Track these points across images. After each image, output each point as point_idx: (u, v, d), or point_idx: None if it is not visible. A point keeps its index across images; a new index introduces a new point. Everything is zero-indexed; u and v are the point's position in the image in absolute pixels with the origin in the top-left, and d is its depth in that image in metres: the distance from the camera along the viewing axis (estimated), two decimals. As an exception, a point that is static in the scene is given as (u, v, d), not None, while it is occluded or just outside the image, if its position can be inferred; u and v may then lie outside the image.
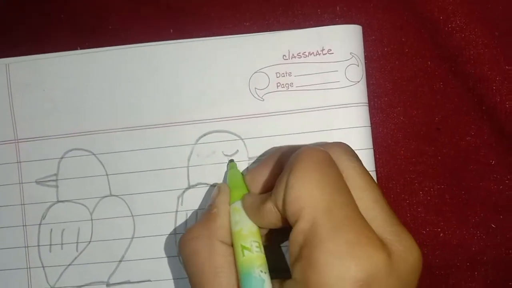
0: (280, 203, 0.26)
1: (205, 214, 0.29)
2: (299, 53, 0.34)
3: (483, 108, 0.34)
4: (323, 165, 0.25)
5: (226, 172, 0.34)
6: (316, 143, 0.32)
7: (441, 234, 0.34)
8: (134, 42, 0.35)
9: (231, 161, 0.33)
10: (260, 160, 0.32)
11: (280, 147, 0.33)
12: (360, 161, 0.27)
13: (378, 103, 0.34)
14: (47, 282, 0.35)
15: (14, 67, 0.35)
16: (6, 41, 0.36)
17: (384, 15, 0.34)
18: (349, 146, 0.28)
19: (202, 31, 0.35)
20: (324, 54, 0.34)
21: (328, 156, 0.26)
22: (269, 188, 0.28)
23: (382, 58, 0.34)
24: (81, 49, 0.35)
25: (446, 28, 0.34)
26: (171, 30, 0.35)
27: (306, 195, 0.24)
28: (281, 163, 0.29)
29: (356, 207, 0.25)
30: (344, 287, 0.22)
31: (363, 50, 0.34)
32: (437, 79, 0.34)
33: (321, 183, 0.24)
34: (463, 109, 0.34)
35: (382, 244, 0.24)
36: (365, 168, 0.27)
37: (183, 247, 0.28)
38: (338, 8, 0.35)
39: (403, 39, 0.34)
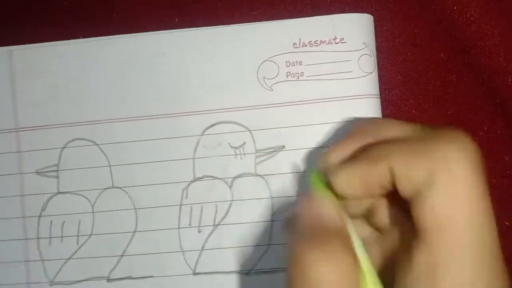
0: (404, 183, 0.20)
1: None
2: (311, 41, 0.31)
3: (497, 101, 0.31)
4: (480, 169, 0.20)
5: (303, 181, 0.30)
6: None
7: (455, 231, 0.31)
8: (139, 31, 0.32)
9: (312, 169, 0.25)
10: (347, 164, 0.23)
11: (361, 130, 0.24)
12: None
13: (389, 95, 0.32)
14: (46, 276, 0.32)
15: (17, 54, 0.33)
16: (7, 28, 0.34)
17: (395, 5, 0.32)
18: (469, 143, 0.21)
19: (208, 20, 0.32)
20: (336, 43, 0.31)
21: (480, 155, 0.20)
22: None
23: (393, 49, 0.32)
24: (84, 38, 0.33)
25: (461, 19, 0.31)
26: (176, 19, 0.33)
27: (460, 206, 0.19)
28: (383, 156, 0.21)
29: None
30: None
31: (374, 41, 0.31)
32: (450, 72, 0.32)
33: (478, 195, 0.19)
34: (477, 102, 0.32)
35: None
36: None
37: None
38: (348, -3, 0.32)
39: (415, 30, 0.32)
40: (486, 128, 0.32)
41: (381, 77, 0.32)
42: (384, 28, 0.32)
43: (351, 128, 0.25)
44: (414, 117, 0.32)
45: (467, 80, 0.32)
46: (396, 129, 0.22)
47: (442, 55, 0.32)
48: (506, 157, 0.31)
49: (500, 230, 0.30)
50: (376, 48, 0.32)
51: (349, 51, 0.31)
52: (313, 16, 0.31)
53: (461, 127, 0.29)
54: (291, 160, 0.31)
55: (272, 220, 0.31)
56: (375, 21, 0.32)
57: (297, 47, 0.31)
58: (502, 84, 0.31)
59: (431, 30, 0.32)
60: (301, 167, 0.31)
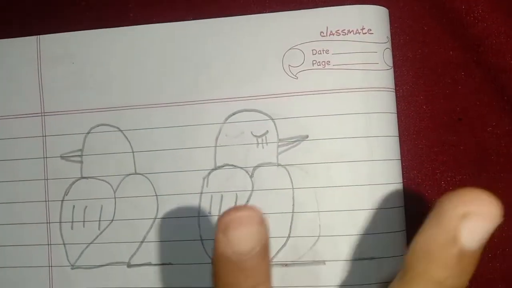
0: None
1: None
2: (338, 30, 0.29)
3: (505, 98, 0.31)
4: None
5: None
6: None
7: (463, 225, 0.31)
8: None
9: None
10: None
11: None
12: None
13: (399, 91, 0.31)
14: (68, 260, 0.32)
15: (44, 40, 0.32)
16: (26, 28, 0.33)
17: (406, 3, 0.32)
18: None
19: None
20: (364, 34, 0.29)
21: None
22: None
23: (404, 46, 0.32)
24: None
25: (468, 18, 0.31)
26: (191, 18, 0.32)
27: None
28: None
29: None
30: None
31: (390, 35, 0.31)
32: (459, 69, 0.31)
33: None
34: (485, 99, 0.31)
35: None
36: None
37: None
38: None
39: (425, 28, 0.32)
40: (494, 124, 0.31)
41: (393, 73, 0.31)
42: (396, 25, 0.32)
43: None
44: (424, 113, 0.31)
45: (475, 77, 0.31)
46: None
47: (451, 52, 0.32)
48: (513, 153, 0.31)
49: (508, 223, 0.29)
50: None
51: (376, 42, 0.30)
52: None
53: (469, 123, 0.31)
54: (314, 150, 0.29)
55: (292, 212, 0.29)
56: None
57: (324, 36, 0.30)
58: (509, 82, 0.31)
59: (440, 29, 0.32)
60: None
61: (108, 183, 0.31)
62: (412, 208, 0.30)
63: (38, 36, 0.32)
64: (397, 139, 0.30)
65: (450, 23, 0.31)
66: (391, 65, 0.30)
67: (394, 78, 0.31)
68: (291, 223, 0.29)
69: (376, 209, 0.29)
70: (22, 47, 0.32)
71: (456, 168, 0.31)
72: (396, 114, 0.30)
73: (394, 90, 0.30)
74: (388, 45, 0.30)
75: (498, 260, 0.31)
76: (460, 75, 0.31)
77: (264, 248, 0.21)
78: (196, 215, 0.30)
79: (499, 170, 0.31)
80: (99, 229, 0.31)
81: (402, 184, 0.30)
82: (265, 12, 0.31)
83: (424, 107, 0.31)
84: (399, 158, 0.30)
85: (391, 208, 0.29)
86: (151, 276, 0.31)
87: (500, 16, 0.31)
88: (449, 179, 0.31)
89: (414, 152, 0.31)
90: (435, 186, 0.31)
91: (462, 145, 0.31)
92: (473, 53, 0.31)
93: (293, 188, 0.29)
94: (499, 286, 0.31)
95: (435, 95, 0.31)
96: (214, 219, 0.30)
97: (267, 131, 0.30)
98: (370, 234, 0.29)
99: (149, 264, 0.31)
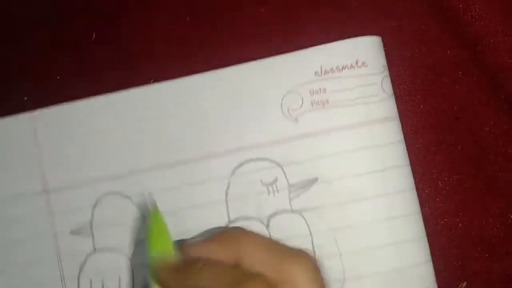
0: None
1: None
2: (332, 67, 0.29)
3: (502, 97, 0.31)
4: (316, 282, 0.24)
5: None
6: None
7: (460, 225, 0.31)
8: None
9: (153, 206, 0.28)
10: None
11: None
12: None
13: (397, 91, 0.31)
14: (93, 337, 0.30)
15: (39, 116, 0.32)
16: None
17: (404, 2, 0.32)
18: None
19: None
20: (359, 67, 0.29)
21: None
22: None
23: (402, 46, 0.32)
24: (96, 36, 0.32)
25: (466, 17, 0.31)
26: (187, 18, 0.32)
27: None
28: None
29: None
30: None
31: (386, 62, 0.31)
32: (457, 68, 0.32)
33: None
34: (482, 98, 0.32)
35: None
36: None
37: None
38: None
39: (422, 27, 0.32)
40: (491, 123, 0.31)
41: (389, 73, 0.31)
42: (393, 24, 0.32)
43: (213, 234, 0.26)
44: (422, 112, 0.31)
45: (473, 76, 0.32)
46: (252, 243, 0.25)
47: (448, 52, 0.32)
48: (511, 151, 0.31)
49: (505, 223, 0.31)
50: (384, 45, 0.31)
51: (372, 74, 0.30)
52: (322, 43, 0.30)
53: (467, 122, 0.32)
54: (326, 191, 0.29)
55: (314, 256, 0.29)
56: (384, 18, 0.31)
57: (319, 75, 0.29)
58: (506, 80, 0.31)
59: (438, 27, 0.32)
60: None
61: (123, 253, 0.31)
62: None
63: (33, 114, 0.32)
64: (409, 168, 0.30)
65: (447, 22, 0.32)
66: (391, 92, 0.30)
67: (391, 77, 0.31)
68: (315, 268, 0.29)
69: (398, 243, 0.28)
70: (17, 126, 0.32)
71: (453, 168, 0.31)
72: (404, 143, 0.30)
73: (398, 118, 0.30)
74: (385, 73, 0.30)
75: (497, 260, 0.30)
76: (458, 74, 0.32)
77: None
78: (217, 275, 0.29)
79: (497, 170, 0.31)
80: (120, 301, 0.30)
81: (421, 214, 0.29)
82: (254, 60, 0.31)
83: (422, 106, 0.31)
84: (414, 188, 0.30)
85: (413, 240, 0.28)
86: None
87: (498, 15, 0.31)
88: (446, 178, 0.31)
89: (411, 151, 0.31)
90: (432, 185, 0.31)
91: (459, 144, 0.31)
92: (471, 52, 0.32)
93: (311, 234, 0.29)
94: (498, 286, 0.31)
95: (433, 94, 0.31)
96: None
97: (277, 178, 0.29)
98: (396, 270, 0.28)
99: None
